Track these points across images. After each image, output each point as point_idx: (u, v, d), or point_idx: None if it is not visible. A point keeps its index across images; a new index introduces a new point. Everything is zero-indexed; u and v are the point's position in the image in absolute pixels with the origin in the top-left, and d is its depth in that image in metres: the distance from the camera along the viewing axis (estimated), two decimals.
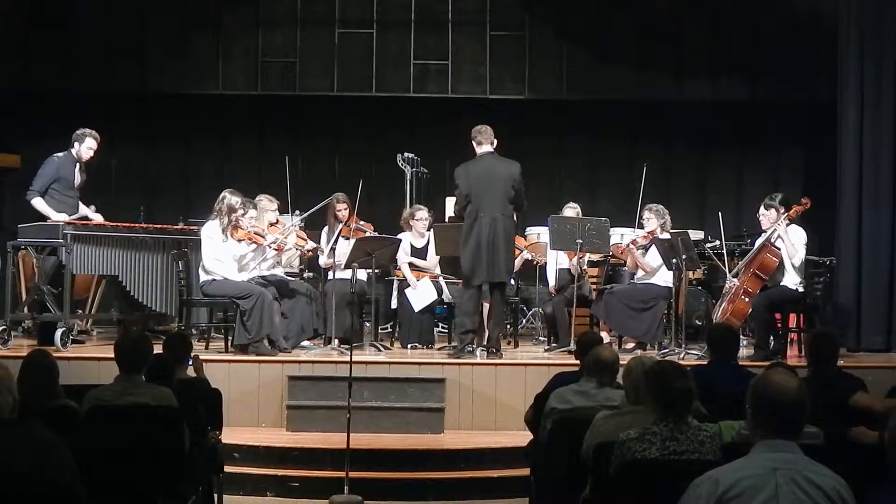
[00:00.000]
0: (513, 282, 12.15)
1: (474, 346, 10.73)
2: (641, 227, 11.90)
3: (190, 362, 7.81)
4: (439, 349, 11.73)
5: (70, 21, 15.19)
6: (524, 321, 14.12)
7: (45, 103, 15.08)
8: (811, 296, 11.48)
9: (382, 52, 15.50)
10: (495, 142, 10.82)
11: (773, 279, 10.97)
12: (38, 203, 11.21)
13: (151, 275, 11.55)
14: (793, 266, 10.94)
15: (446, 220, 13.11)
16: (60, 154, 11.43)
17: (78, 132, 11.47)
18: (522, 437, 8.06)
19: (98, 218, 11.62)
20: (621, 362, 6.72)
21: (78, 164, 11.49)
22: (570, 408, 6.59)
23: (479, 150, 10.79)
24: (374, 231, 11.91)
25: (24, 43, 15.14)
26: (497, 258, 10.58)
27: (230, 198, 10.91)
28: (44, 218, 11.10)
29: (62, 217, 11.12)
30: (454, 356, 10.61)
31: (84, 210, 11.59)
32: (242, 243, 10.90)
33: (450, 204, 12.28)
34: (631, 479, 4.95)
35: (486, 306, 10.91)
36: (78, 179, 11.51)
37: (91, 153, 11.50)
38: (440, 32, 15.46)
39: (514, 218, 10.98)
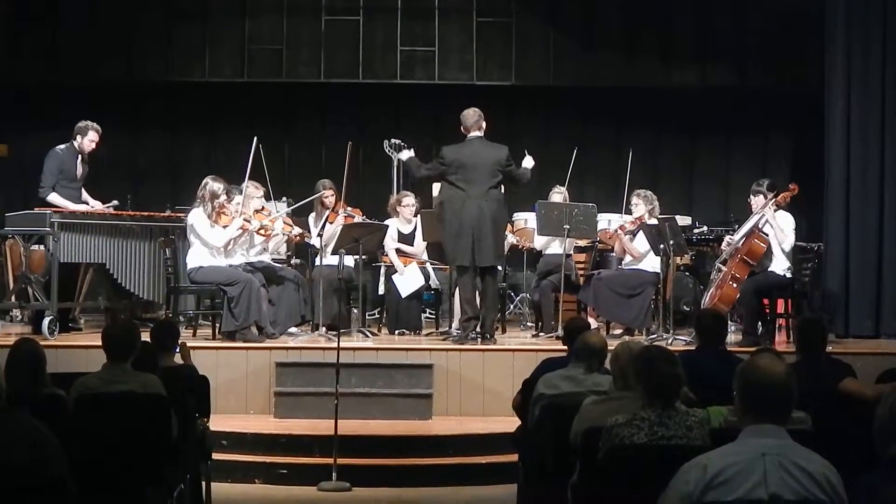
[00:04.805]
0: (500, 267, 12.14)
1: (476, 332, 10.72)
2: (629, 212, 11.90)
3: (177, 350, 7.79)
4: (427, 335, 11.73)
5: (56, 11, 15.13)
6: (511, 307, 14.11)
7: (32, 93, 15.03)
8: (799, 282, 11.48)
9: (369, 39, 15.47)
10: (484, 125, 10.77)
11: (761, 265, 10.97)
12: (55, 198, 11.18)
13: (139, 262, 11.52)
14: (782, 251, 10.94)
15: (433, 206, 13.08)
16: (62, 147, 11.37)
17: (80, 125, 11.41)
18: (510, 423, 8.05)
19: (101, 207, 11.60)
20: (609, 348, 6.72)
21: (80, 157, 11.45)
22: (558, 393, 6.58)
23: (469, 134, 10.76)
24: (363, 217, 11.89)
25: (10, 34, 15.07)
26: (483, 242, 10.50)
27: (212, 184, 10.89)
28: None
29: (80, 208, 11.20)
30: (458, 342, 10.59)
31: (91, 201, 11.56)
32: (228, 229, 10.86)
33: (436, 189, 12.25)
34: (619, 464, 4.95)
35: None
36: (80, 171, 11.48)
37: (93, 145, 11.46)
38: (427, 19, 15.42)
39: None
